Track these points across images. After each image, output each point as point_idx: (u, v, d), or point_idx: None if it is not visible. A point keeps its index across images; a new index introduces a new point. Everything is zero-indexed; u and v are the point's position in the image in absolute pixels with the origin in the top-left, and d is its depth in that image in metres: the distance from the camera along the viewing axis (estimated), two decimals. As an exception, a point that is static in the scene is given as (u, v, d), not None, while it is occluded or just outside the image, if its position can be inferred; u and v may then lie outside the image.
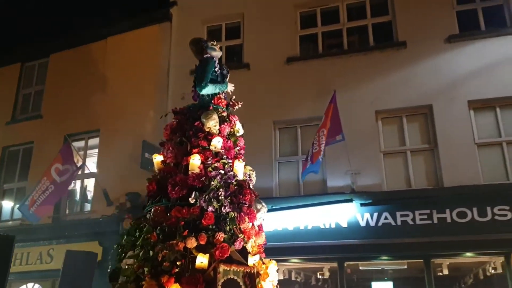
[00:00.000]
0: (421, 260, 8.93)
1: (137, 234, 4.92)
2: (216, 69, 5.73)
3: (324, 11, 11.36)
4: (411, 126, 9.98)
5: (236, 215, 4.90)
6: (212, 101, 5.63)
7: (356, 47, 11.00)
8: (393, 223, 9.01)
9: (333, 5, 11.31)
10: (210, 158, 5.14)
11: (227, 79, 5.84)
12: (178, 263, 4.49)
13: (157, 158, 5.48)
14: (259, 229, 5.22)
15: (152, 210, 4.92)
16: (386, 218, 9.05)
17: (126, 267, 4.75)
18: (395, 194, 9.32)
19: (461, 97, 9.63)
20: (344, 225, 9.22)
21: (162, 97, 11.39)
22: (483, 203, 8.66)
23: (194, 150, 5.19)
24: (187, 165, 5.09)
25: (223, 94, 5.77)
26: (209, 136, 5.32)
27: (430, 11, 10.40)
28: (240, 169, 5.29)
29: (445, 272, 9.38)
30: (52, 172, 10.34)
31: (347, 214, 9.23)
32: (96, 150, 11.87)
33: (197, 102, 5.72)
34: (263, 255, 5.17)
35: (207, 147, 5.25)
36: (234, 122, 5.65)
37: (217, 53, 5.88)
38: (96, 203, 11.20)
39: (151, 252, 4.59)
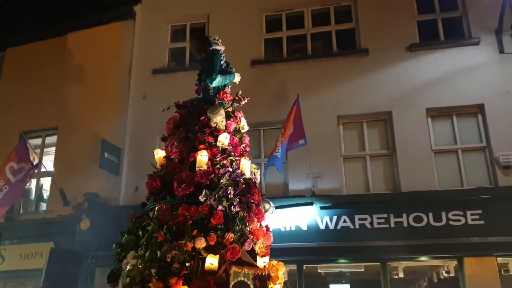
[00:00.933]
0: (378, 263, 9.01)
1: (139, 232, 4.64)
2: (222, 62, 5.64)
3: (289, 16, 11.38)
4: (371, 131, 10.09)
5: (245, 214, 4.71)
6: (217, 96, 5.49)
7: (319, 52, 11.06)
8: (351, 227, 9.08)
9: (298, 10, 11.35)
10: (218, 155, 4.93)
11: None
12: (187, 264, 4.24)
13: (159, 154, 5.22)
14: (267, 230, 5.03)
15: (156, 208, 4.64)
16: (345, 221, 9.11)
17: (129, 267, 4.43)
18: (354, 197, 9.40)
19: (419, 105, 9.81)
20: (304, 228, 9.23)
21: (123, 96, 11.14)
22: (438, 208, 8.83)
23: (201, 146, 4.96)
24: (194, 161, 4.86)
25: (229, 88, 5.67)
26: (215, 132, 5.11)
27: (392, 20, 10.58)
28: (247, 167, 5.10)
29: (401, 275, 9.55)
30: (6, 171, 9.87)
31: (307, 217, 9.25)
32: (54, 148, 11.45)
33: (201, 96, 5.55)
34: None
35: (213, 143, 5.04)
36: (239, 118, 5.48)
37: (221, 47, 5.76)
38: (52, 202, 10.81)
39: (158, 253, 4.31)
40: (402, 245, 8.70)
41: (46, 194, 11.57)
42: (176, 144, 5.08)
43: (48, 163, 11.39)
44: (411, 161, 9.44)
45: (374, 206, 9.10)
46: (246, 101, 5.67)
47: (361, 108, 10.07)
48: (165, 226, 4.48)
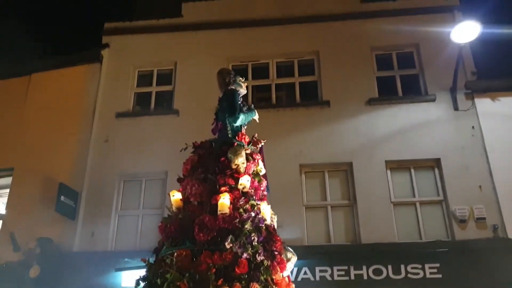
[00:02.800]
0: (338, 317, 8.65)
1: (158, 281, 4.16)
2: (240, 101, 5.51)
3: (255, 66, 11.40)
4: (333, 181, 9.95)
5: (269, 263, 4.34)
6: (236, 137, 5.23)
7: (283, 102, 11.07)
8: (312, 278, 8.72)
9: (263, 61, 11.39)
10: (242, 199, 4.61)
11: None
12: None
13: (176, 196, 4.82)
14: (289, 281, 4.65)
15: (175, 254, 4.23)
16: (305, 273, 8.75)
17: None
18: (315, 248, 9.08)
19: (379, 157, 9.80)
20: (264, 279, 8.80)
21: (85, 139, 10.64)
22: (398, 261, 8.63)
23: (222, 189, 4.63)
24: (214, 205, 4.51)
25: (244, 129, 5.49)
26: (235, 174, 4.80)
27: (353, 75, 10.71)
28: (267, 212, 4.81)
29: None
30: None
31: (267, 267, 8.83)
32: (7, 190, 10.71)
33: (218, 137, 5.29)
34: None
35: (234, 186, 4.71)
36: (257, 161, 5.21)
37: (243, 90, 5.65)
38: (1, 247, 9.98)
39: None
40: (362, 297, 8.39)
41: (-5, 238, 10.73)
42: (196, 186, 4.73)
43: (0, 205, 10.64)
44: (371, 212, 9.30)
45: (334, 257, 8.81)
46: (263, 143, 5.49)
47: (322, 158, 9.97)
48: (187, 274, 4.07)
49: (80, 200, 10.03)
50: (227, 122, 5.35)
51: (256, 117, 5.63)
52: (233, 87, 5.57)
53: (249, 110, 5.58)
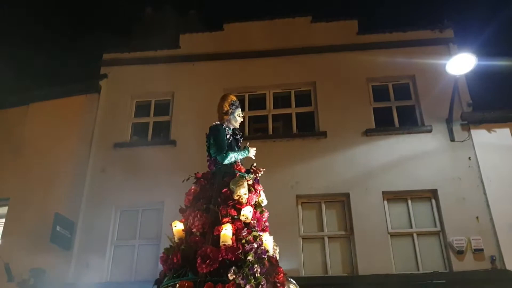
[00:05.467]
0: None
1: None
2: (228, 136, 5.45)
3: (252, 97, 11.65)
4: (329, 212, 10.07)
5: None
6: (232, 167, 5.29)
7: (280, 133, 11.27)
8: (309, 311, 8.75)
9: (260, 92, 11.65)
10: (244, 230, 4.68)
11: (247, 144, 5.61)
12: None
13: (178, 226, 4.87)
14: None
15: (178, 285, 4.31)
16: (302, 305, 8.78)
17: None
18: (312, 280, 9.10)
19: (376, 188, 9.94)
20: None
21: (81, 168, 10.82)
22: (395, 292, 8.67)
23: (224, 219, 4.70)
24: (217, 236, 4.57)
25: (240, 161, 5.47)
26: (237, 205, 4.88)
27: (349, 106, 10.94)
28: (270, 243, 4.86)
29: None
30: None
31: (263, 300, 8.88)
32: (3, 220, 10.83)
33: (216, 169, 5.33)
34: None
35: (236, 216, 4.79)
36: (259, 192, 5.29)
37: (235, 124, 5.64)
38: (-5, 278, 10.06)
39: None
40: (359, 331, 8.43)
41: (-11, 269, 10.78)
42: (198, 216, 4.80)
43: (-5, 235, 10.74)
44: (368, 243, 9.39)
45: (331, 289, 8.87)
46: (262, 172, 5.50)
47: (319, 189, 10.11)
48: None
49: (75, 230, 10.12)
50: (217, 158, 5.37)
51: (251, 154, 5.58)
52: (223, 121, 5.57)
53: (243, 148, 5.54)
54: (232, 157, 5.31)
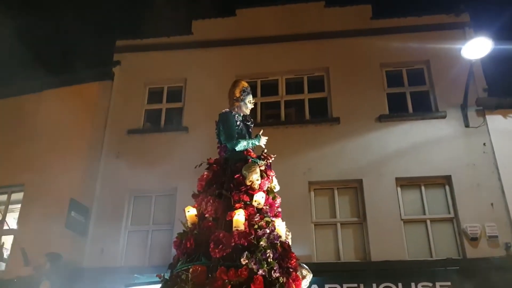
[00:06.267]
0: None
1: None
2: (238, 123, 5.46)
3: (264, 83, 11.64)
4: (342, 198, 10.10)
5: (285, 280, 4.43)
6: (243, 153, 5.31)
7: (292, 119, 11.27)
8: (321, 296, 8.82)
9: (273, 78, 11.63)
10: (257, 215, 4.71)
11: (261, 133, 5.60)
12: None
13: (191, 211, 4.92)
14: None
15: (191, 270, 4.36)
16: (314, 290, 8.87)
17: None
18: (324, 266, 9.19)
19: (389, 174, 9.93)
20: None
21: (95, 155, 10.96)
22: (408, 279, 8.71)
23: (237, 205, 4.75)
24: (229, 221, 4.62)
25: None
26: (250, 191, 4.92)
27: (363, 91, 10.88)
28: (282, 229, 4.91)
29: None
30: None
31: (275, 285, 8.95)
32: (19, 206, 11.03)
33: (228, 155, 5.35)
34: None
35: (248, 202, 4.84)
36: (272, 178, 5.33)
37: (246, 111, 5.66)
38: (12, 262, 10.27)
39: None
40: (372, 316, 8.47)
41: (6, 253, 11.00)
42: (211, 202, 4.85)
43: (11, 220, 10.94)
44: (381, 230, 9.40)
45: (344, 275, 8.93)
46: (273, 159, 5.51)
47: (332, 175, 10.12)
48: None
49: (90, 216, 10.28)
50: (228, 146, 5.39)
51: (262, 143, 5.59)
52: (233, 108, 5.57)
53: (255, 136, 5.55)
54: (243, 145, 5.33)
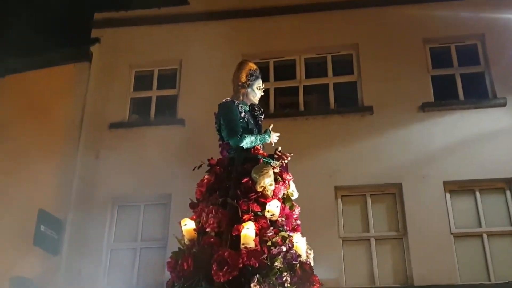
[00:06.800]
0: None
1: None
2: (242, 115, 5.36)
3: (278, 65, 11.60)
4: (377, 208, 10.03)
5: None
6: (252, 151, 5.23)
7: (313, 108, 11.29)
8: (352, 330, 8.78)
9: (289, 58, 11.59)
10: (270, 229, 4.63)
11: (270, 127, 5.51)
12: None
13: (189, 225, 4.84)
14: None
15: None
16: (343, 322, 8.81)
17: None
18: (355, 292, 9.18)
19: (435, 177, 9.82)
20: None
21: (70, 155, 10.91)
22: (461, 308, 8.65)
23: (245, 216, 4.65)
24: (236, 236, 4.54)
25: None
26: (261, 199, 4.81)
27: (401, 73, 10.80)
28: (302, 246, 4.78)
29: None
30: None
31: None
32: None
33: (234, 154, 5.23)
34: None
35: (260, 213, 4.74)
36: (288, 182, 5.22)
37: (254, 100, 5.57)
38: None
39: None
40: None
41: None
42: (213, 212, 4.75)
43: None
44: (426, 247, 9.30)
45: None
46: (289, 158, 5.40)
47: (364, 178, 10.03)
48: None
49: (64, 230, 10.24)
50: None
51: (274, 139, 5.52)
52: (238, 95, 5.51)
53: (264, 131, 5.49)
54: (249, 141, 5.24)
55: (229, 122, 5.31)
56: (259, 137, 5.35)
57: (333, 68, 11.38)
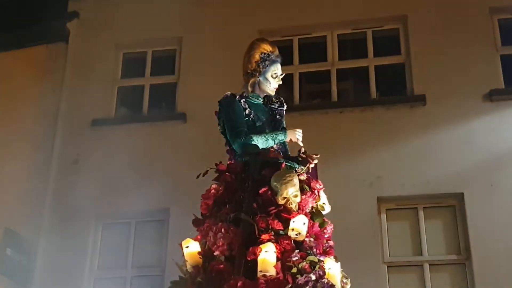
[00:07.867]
0: None
1: None
2: (247, 111, 5.38)
3: (304, 43, 11.66)
4: (431, 224, 10.01)
5: None
6: (270, 154, 5.23)
7: (350, 98, 11.37)
8: None
9: (317, 34, 11.65)
10: (295, 252, 4.61)
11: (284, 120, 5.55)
12: None
13: (192, 247, 4.88)
14: None
15: None
16: None
17: None
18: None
19: (507, 185, 9.79)
20: None
21: (43, 159, 11.04)
22: None
23: (263, 236, 4.65)
24: (252, 262, 4.55)
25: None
26: (284, 214, 4.81)
27: (462, 53, 10.76)
28: (336, 273, 4.78)
29: None
30: None
31: None
32: None
33: (247, 157, 5.24)
34: None
35: (282, 232, 4.77)
36: (318, 193, 5.23)
37: (269, 91, 5.56)
38: None
39: None
40: None
41: None
42: (223, 232, 4.75)
43: None
44: (495, 273, 9.25)
45: None
46: (316, 161, 5.37)
47: (414, 187, 10.04)
48: None
49: (35, 255, 10.34)
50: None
51: (294, 137, 5.49)
52: (247, 86, 5.51)
53: (275, 127, 5.49)
54: (260, 142, 5.22)
55: (229, 122, 5.37)
56: (270, 136, 5.32)
57: (375, 47, 11.38)
